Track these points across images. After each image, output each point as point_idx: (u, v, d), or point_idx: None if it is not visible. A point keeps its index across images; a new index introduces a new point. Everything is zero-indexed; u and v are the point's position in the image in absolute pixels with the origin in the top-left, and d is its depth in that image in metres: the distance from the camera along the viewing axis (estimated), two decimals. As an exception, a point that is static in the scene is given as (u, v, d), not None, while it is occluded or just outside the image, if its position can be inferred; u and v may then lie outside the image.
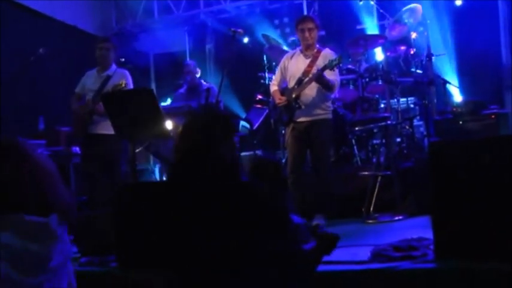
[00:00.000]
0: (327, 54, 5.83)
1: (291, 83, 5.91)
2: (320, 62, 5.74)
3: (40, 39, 8.49)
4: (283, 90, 6.03)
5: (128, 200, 4.41)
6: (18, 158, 2.19)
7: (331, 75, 5.68)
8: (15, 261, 2.01)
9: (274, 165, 2.99)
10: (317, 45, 5.99)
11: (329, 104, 5.93)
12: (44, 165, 2.25)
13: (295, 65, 5.97)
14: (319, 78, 5.58)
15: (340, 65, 5.66)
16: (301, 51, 6.02)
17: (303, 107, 5.76)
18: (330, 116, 5.92)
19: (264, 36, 8.67)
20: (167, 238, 2.72)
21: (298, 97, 5.77)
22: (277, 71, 6.21)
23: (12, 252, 2.02)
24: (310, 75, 5.72)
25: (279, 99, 5.93)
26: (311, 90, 5.76)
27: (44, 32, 9.01)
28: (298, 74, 5.84)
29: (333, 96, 6.05)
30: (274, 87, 6.12)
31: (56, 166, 2.30)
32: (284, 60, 6.13)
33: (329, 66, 5.53)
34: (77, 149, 7.33)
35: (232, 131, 2.82)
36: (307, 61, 5.89)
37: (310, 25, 5.88)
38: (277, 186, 2.86)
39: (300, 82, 5.79)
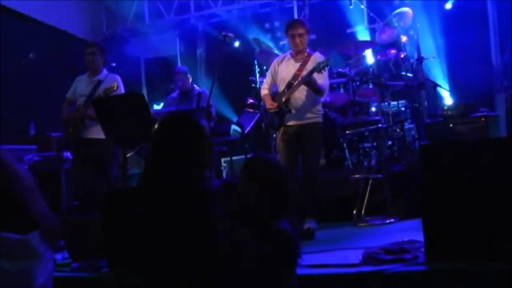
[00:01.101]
0: (317, 58, 5.84)
1: (281, 87, 5.91)
2: (310, 66, 5.75)
3: (31, 44, 8.47)
4: (274, 94, 6.03)
5: (118, 204, 4.39)
6: None
7: (320, 79, 5.68)
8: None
9: (264, 163, 2.97)
10: (307, 49, 6.00)
11: (319, 107, 5.94)
12: (24, 180, 2.16)
13: (285, 69, 5.97)
14: (308, 81, 5.58)
15: (328, 67, 5.65)
16: (292, 55, 6.02)
17: (293, 110, 5.77)
18: (320, 119, 5.93)
19: (255, 40, 8.68)
20: (155, 242, 2.74)
21: (288, 101, 5.77)
22: (268, 75, 6.20)
23: None
24: (299, 79, 5.73)
25: (270, 105, 5.92)
26: (301, 94, 5.77)
27: (35, 37, 8.98)
28: (288, 78, 5.84)
29: (323, 99, 6.05)
30: (264, 91, 6.12)
31: (35, 180, 2.21)
32: (274, 64, 6.13)
33: (317, 68, 5.53)
34: (68, 154, 7.30)
35: (202, 135, 2.84)
36: (297, 65, 5.89)
37: (301, 30, 5.87)
38: (265, 185, 2.85)
39: (289, 86, 5.80)
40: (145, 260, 2.70)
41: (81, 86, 6.63)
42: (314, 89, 5.66)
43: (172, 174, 2.71)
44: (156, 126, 2.96)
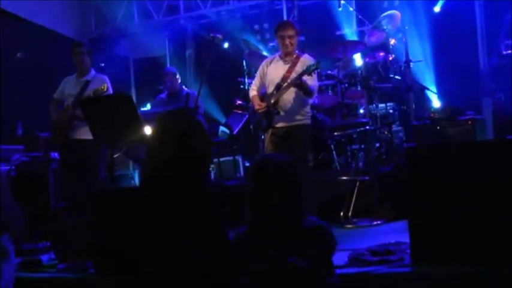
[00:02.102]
0: (306, 60, 5.84)
1: (270, 89, 5.90)
2: (299, 68, 5.75)
3: (18, 43, 8.43)
4: (263, 96, 6.03)
5: (106, 206, 4.39)
6: None
7: (310, 81, 5.68)
8: None
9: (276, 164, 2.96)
10: (296, 51, 6.00)
11: (308, 109, 5.94)
12: None
13: (274, 70, 5.96)
14: (298, 83, 5.59)
15: (319, 70, 5.66)
16: (280, 57, 6.02)
17: (281, 112, 5.77)
18: (308, 121, 5.93)
19: (244, 41, 8.68)
20: (144, 244, 2.72)
21: (276, 102, 5.77)
22: (256, 77, 6.19)
23: None
24: (289, 81, 5.73)
25: (259, 105, 5.92)
26: (289, 96, 5.77)
27: (23, 36, 8.94)
28: (277, 80, 5.84)
29: (311, 101, 6.06)
30: (253, 93, 6.11)
31: (6, 181, 2.26)
32: (263, 66, 6.12)
33: (307, 71, 5.54)
34: (56, 154, 7.27)
35: (208, 144, 2.84)
36: (286, 67, 5.89)
37: (291, 32, 5.86)
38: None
39: (278, 87, 5.79)
40: (145, 262, 2.69)
41: (69, 86, 6.60)
42: (304, 90, 5.66)
43: (176, 174, 2.69)
44: (155, 125, 2.94)
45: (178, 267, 2.60)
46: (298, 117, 5.83)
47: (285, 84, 5.73)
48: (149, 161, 2.80)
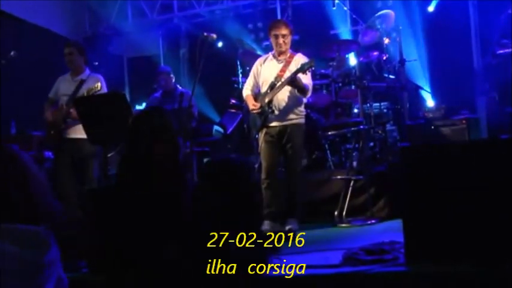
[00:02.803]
0: (300, 59, 5.84)
1: (264, 88, 5.91)
2: (292, 67, 5.75)
3: (11, 42, 8.38)
4: (257, 95, 6.03)
5: (100, 204, 4.37)
6: (13, 167, 2.19)
7: (304, 79, 5.68)
8: (14, 271, 2.01)
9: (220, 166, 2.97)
10: (290, 50, 6.00)
11: (302, 108, 5.94)
12: (37, 176, 2.26)
13: (267, 69, 5.97)
14: (293, 81, 5.58)
15: (313, 68, 5.66)
16: (274, 56, 6.02)
17: (275, 111, 5.77)
18: (302, 120, 5.93)
19: (238, 40, 8.68)
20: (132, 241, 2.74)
21: (270, 101, 5.78)
22: (250, 76, 6.19)
23: (11, 262, 2.02)
24: (283, 80, 5.73)
25: (253, 105, 5.92)
26: (284, 95, 5.77)
27: (16, 35, 8.90)
28: (271, 79, 5.84)
29: (305, 101, 6.06)
30: (247, 92, 6.11)
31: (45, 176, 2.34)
32: (257, 65, 6.12)
33: (301, 69, 5.54)
34: (49, 153, 7.25)
35: (165, 129, 2.84)
36: (280, 66, 5.89)
37: (284, 31, 5.87)
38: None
39: (272, 86, 5.79)
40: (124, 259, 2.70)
41: (64, 85, 6.58)
42: (299, 88, 5.66)
43: (141, 173, 2.71)
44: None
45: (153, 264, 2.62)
46: (292, 116, 5.83)
47: (279, 83, 5.73)
48: (121, 160, 2.85)
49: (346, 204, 6.04)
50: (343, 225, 5.92)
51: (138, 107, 8.85)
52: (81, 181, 6.31)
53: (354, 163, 6.47)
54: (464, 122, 6.96)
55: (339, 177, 6.42)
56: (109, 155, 5.77)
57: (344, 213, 6.00)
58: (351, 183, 6.15)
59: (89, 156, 6.28)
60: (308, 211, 6.08)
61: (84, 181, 6.27)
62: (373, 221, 5.92)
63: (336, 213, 6.04)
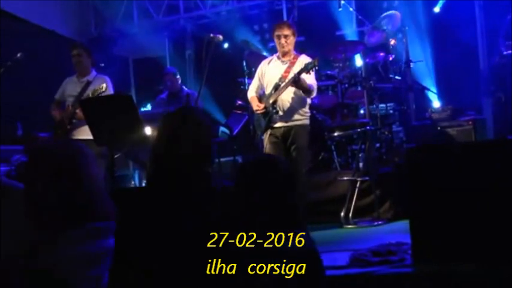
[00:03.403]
0: (304, 60, 5.83)
1: (268, 89, 5.90)
2: (297, 68, 5.73)
3: (18, 44, 8.41)
4: (261, 96, 6.03)
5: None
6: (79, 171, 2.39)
7: (308, 79, 5.68)
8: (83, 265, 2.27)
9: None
10: (294, 52, 6.00)
11: (307, 109, 5.93)
12: (98, 178, 2.50)
13: (272, 70, 5.96)
14: (297, 81, 5.58)
15: (317, 67, 5.64)
16: (278, 57, 6.01)
17: (280, 112, 5.76)
18: (307, 121, 5.91)
19: (244, 41, 8.68)
20: (149, 246, 2.71)
21: (275, 102, 5.77)
22: (255, 77, 6.19)
23: (90, 257, 2.29)
24: (287, 80, 5.72)
25: (257, 106, 5.92)
26: (288, 96, 5.76)
27: (23, 37, 8.93)
28: (275, 80, 5.83)
29: (311, 102, 6.05)
30: (252, 94, 6.11)
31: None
32: (261, 67, 6.12)
33: (305, 69, 5.53)
34: (56, 154, 7.25)
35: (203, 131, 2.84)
36: (284, 67, 5.89)
37: (286, 32, 5.87)
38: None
39: (276, 87, 5.79)
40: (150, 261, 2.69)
41: (70, 87, 6.59)
42: (303, 88, 5.65)
43: (179, 172, 2.70)
44: (159, 124, 2.95)
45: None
46: (297, 117, 5.82)
47: (283, 83, 5.73)
48: (157, 159, 2.83)
49: (352, 205, 6.03)
50: (350, 226, 5.92)
51: (143, 109, 8.87)
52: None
53: (360, 164, 6.46)
54: (470, 123, 6.96)
55: (345, 178, 6.41)
56: (115, 156, 5.77)
57: (350, 214, 5.99)
58: (357, 184, 6.14)
59: (96, 157, 6.27)
60: (314, 212, 6.07)
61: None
62: (379, 222, 5.91)
63: (342, 214, 6.03)
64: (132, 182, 8.84)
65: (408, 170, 3.83)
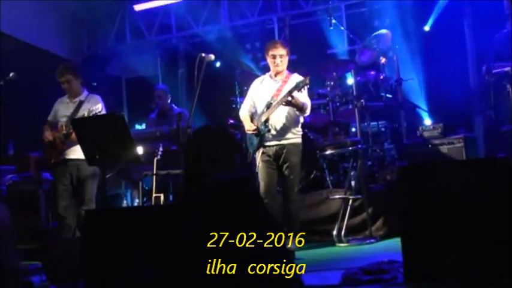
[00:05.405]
0: (296, 78, 5.84)
1: (260, 108, 5.92)
2: (288, 87, 5.75)
3: (11, 63, 8.42)
4: (253, 115, 6.04)
5: (99, 226, 4.36)
6: None
7: (301, 97, 5.70)
8: None
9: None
10: (286, 71, 6.02)
11: (299, 128, 5.94)
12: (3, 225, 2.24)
13: (264, 89, 5.98)
14: (289, 100, 5.59)
15: (308, 86, 5.67)
16: (271, 76, 6.04)
17: (272, 131, 5.78)
18: (299, 140, 5.93)
19: (236, 60, 8.71)
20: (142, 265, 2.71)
21: (267, 121, 5.79)
22: (247, 96, 6.21)
23: None
24: (279, 99, 5.74)
25: (249, 126, 5.93)
26: (280, 114, 5.78)
27: (16, 56, 8.93)
28: (268, 99, 5.85)
29: (302, 120, 6.07)
30: (244, 112, 6.12)
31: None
32: (253, 86, 6.14)
33: (297, 87, 5.55)
34: (47, 174, 7.25)
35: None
36: (277, 85, 5.91)
37: (282, 51, 5.89)
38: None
39: (268, 106, 5.80)
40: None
41: (62, 107, 6.59)
42: (297, 106, 5.67)
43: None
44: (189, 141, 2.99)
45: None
46: (289, 135, 5.84)
47: (275, 101, 5.75)
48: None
49: (344, 224, 6.04)
50: (342, 244, 5.92)
51: (138, 126, 8.87)
52: (79, 202, 6.30)
53: (352, 182, 6.47)
54: (461, 140, 6.99)
55: (337, 196, 6.42)
56: (107, 176, 5.76)
57: (343, 232, 6.00)
58: (349, 203, 6.16)
59: (88, 177, 6.27)
60: (307, 230, 6.06)
61: (82, 202, 6.26)
62: (371, 240, 5.92)
63: (334, 232, 6.04)
64: (124, 201, 8.82)
65: (400, 188, 3.84)
